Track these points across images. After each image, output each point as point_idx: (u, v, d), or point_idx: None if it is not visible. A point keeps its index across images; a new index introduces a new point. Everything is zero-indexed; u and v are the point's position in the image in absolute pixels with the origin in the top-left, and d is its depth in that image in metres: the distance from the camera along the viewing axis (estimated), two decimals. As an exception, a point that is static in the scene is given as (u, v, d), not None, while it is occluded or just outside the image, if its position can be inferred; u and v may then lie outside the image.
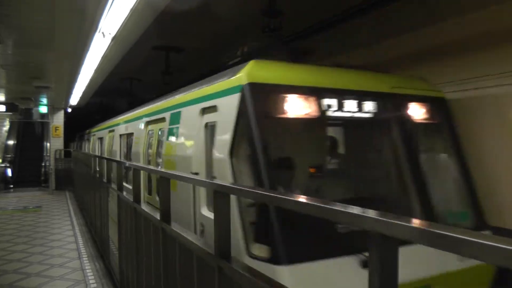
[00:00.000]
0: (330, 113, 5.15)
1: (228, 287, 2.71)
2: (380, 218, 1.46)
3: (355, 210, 1.57)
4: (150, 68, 14.11)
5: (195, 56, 12.21)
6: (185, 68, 13.13)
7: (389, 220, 1.43)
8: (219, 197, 2.87)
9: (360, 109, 5.46)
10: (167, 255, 4.05)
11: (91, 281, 7.62)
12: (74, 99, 21.62)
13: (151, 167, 7.44)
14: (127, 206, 5.93)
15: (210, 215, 5.25)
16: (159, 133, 8.35)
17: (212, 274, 2.87)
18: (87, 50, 10.63)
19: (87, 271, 8.29)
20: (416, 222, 1.44)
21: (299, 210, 1.89)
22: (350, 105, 5.38)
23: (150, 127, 9.15)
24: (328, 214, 1.75)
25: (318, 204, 1.83)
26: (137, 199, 5.44)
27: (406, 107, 5.92)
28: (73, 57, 11.60)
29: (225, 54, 8.85)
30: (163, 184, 4.40)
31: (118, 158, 11.68)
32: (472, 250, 1.25)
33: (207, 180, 3.24)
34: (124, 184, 7.37)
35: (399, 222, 1.44)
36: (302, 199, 1.96)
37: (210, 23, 9.26)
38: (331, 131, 7.08)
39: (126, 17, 7.79)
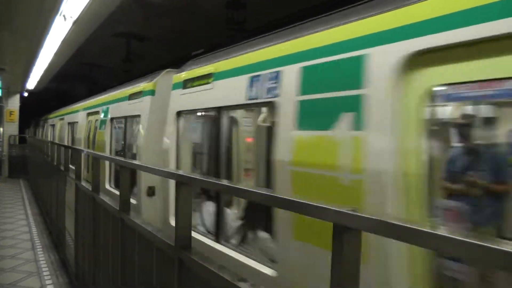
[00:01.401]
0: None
1: (188, 279, 2.67)
2: (342, 211, 1.47)
3: (319, 203, 1.57)
4: (111, 55, 13.72)
5: (157, 45, 11.98)
6: (147, 56, 12.87)
7: (350, 213, 1.45)
8: (180, 187, 2.82)
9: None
10: (126, 247, 3.95)
11: (45, 273, 7.36)
12: (32, 83, 20.71)
13: (113, 156, 7.26)
14: (85, 195, 5.75)
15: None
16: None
17: (172, 266, 2.82)
18: (47, 32, 10.18)
19: (41, 262, 7.99)
20: (379, 215, 1.46)
21: (262, 202, 1.89)
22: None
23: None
24: (290, 207, 1.75)
25: (277, 196, 1.83)
26: (96, 189, 5.28)
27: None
28: (32, 39, 11.08)
29: (189, 44, 8.71)
30: (123, 174, 4.30)
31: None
32: (425, 240, 1.29)
33: (170, 171, 3.18)
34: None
35: (359, 215, 1.46)
36: (263, 191, 1.96)
37: (175, 13, 9.09)
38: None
39: (89, 1, 7.51)
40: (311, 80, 3.39)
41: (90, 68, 16.75)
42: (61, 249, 8.39)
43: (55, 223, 9.29)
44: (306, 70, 3.45)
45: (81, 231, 6.08)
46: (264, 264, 3.96)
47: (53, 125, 18.68)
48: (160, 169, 3.46)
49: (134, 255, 3.70)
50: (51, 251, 8.83)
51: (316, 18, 3.89)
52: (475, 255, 1.18)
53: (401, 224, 1.38)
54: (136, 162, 5.39)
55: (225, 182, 2.51)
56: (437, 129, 3.91)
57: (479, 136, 4.46)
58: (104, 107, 9.68)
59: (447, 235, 1.24)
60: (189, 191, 2.83)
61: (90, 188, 5.39)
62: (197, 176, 2.96)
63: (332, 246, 1.51)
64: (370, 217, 1.45)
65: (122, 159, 5.06)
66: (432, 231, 1.28)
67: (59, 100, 23.02)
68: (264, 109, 5.32)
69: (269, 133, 4.65)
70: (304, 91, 3.43)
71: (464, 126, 4.41)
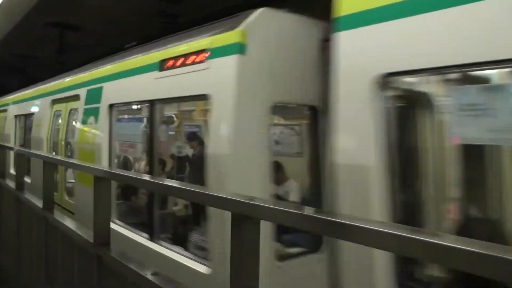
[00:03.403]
0: None
1: (106, 275, 2.61)
2: (240, 200, 1.48)
3: (218, 193, 1.58)
4: (45, 46, 13.02)
5: (92, 36, 11.52)
6: (82, 47, 12.34)
7: (247, 202, 1.47)
8: (99, 182, 2.74)
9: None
10: (50, 245, 3.80)
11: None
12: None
13: (34, 151, 6.69)
14: (8, 194, 5.45)
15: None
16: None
17: (91, 263, 2.75)
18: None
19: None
20: (276, 204, 1.49)
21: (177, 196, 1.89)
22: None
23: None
24: (200, 199, 1.75)
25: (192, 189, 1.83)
26: (20, 187, 5.02)
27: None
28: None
29: (123, 36, 8.46)
30: (46, 171, 4.12)
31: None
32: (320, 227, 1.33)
33: (89, 165, 3.08)
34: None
35: (260, 204, 1.48)
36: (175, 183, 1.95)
37: (109, 2, 8.77)
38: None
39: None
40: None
41: (22, 59, 15.79)
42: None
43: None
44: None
45: (4, 230, 5.76)
46: None
47: None
48: (81, 164, 3.35)
49: (57, 253, 3.57)
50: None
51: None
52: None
53: (298, 212, 1.41)
54: (59, 157, 5.17)
55: (139, 176, 2.46)
56: None
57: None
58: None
59: (338, 220, 1.29)
60: (107, 186, 2.76)
61: (14, 187, 5.12)
62: (115, 171, 2.89)
63: (231, 234, 1.52)
64: (268, 205, 1.47)
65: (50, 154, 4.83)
66: (325, 217, 1.33)
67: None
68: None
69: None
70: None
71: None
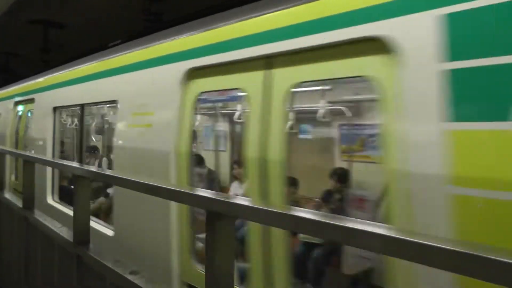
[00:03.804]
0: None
1: (86, 274, 2.59)
2: (214, 198, 1.48)
3: (193, 190, 1.57)
4: (29, 43, 12.86)
5: (75, 34, 11.41)
6: (66, 45, 12.22)
7: (222, 199, 1.47)
8: (78, 181, 2.71)
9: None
10: (30, 245, 3.75)
11: None
12: None
13: (14, 150, 6.77)
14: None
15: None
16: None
17: (71, 262, 2.72)
18: None
19: None
20: (252, 202, 1.49)
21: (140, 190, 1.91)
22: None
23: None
24: (166, 195, 1.75)
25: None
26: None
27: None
28: None
29: (107, 34, 8.38)
30: (26, 169, 4.06)
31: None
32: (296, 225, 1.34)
33: (69, 164, 3.05)
34: None
35: (233, 202, 1.48)
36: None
37: (94, 1, 8.70)
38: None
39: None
40: None
41: (5, 56, 15.59)
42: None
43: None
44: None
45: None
46: None
47: None
48: (61, 163, 3.31)
49: (37, 253, 3.53)
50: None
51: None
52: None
53: (273, 210, 1.41)
54: (38, 156, 5.11)
55: (118, 175, 2.44)
56: None
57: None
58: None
59: (310, 217, 1.30)
60: (87, 185, 2.74)
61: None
62: (94, 169, 2.86)
63: (206, 232, 1.52)
64: (243, 204, 1.47)
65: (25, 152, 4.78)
66: (298, 215, 1.33)
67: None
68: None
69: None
70: None
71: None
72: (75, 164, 2.96)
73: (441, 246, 0.98)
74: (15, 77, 14.52)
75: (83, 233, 2.68)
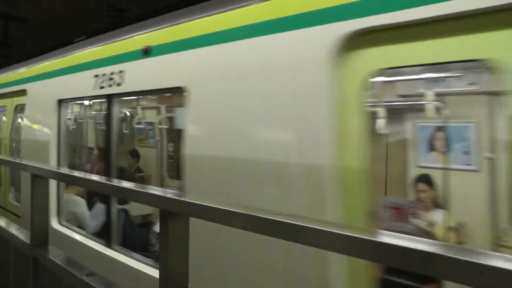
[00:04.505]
0: None
1: (44, 278, 2.52)
2: (166, 196, 1.47)
3: (146, 189, 1.55)
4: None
5: (40, 29, 11.06)
6: (29, 40, 11.84)
7: (175, 198, 1.46)
8: (35, 180, 2.64)
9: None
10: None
11: None
12: None
13: None
14: None
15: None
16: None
17: (28, 265, 2.64)
18: None
19: None
20: (204, 200, 1.48)
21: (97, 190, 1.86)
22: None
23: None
24: (120, 193, 1.72)
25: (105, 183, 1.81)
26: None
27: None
28: None
29: (72, 29, 8.15)
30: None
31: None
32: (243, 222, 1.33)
33: (26, 163, 2.94)
34: None
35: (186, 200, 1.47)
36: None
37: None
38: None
39: None
40: None
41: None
42: None
43: None
44: None
45: None
46: None
47: None
48: (17, 162, 3.20)
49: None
50: None
51: None
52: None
53: (226, 208, 1.41)
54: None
55: (76, 173, 2.39)
56: None
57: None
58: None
59: (263, 216, 1.30)
60: (45, 184, 2.66)
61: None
62: (52, 168, 2.79)
63: (159, 231, 1.51)
64: (195, 202, 1.46)
65: None
66: (251, 214, 1.33)
67: None
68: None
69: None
70: None
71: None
72: (31, 163, 2.86)
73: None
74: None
75: (41, 235, 2.60)
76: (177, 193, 1.50)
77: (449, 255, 0.90)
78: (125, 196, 1.70)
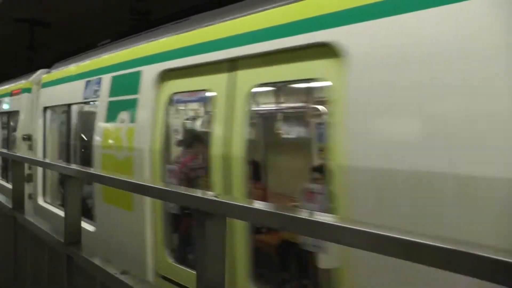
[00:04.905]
0: None
1: (77, 276, 2.60)
2: (203, 197, 1.51)
3: (183, 190, 1.60)
4: (15, 42, 12.72)
5: (63, 33, 11.31)
6: (53, 45, 12.11)
7: (211, 198, 1.50)
8: (69, 181, 2.73)
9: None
10: (18, 246, 3.74)
11: None
12: None
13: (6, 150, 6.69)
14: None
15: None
16: None
17: (62, 263, 2.73)
18: None
19: None
20: (241, 201, 1.53)
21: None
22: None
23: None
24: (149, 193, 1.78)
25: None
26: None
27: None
28: None
29: (95, 33, 8.34)
30: (15, 169, 4.05)
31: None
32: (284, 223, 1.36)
33: (60, 164, 3.05)
34: None
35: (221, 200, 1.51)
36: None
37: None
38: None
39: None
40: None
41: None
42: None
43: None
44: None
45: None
46: None
47: None
48: (50, 163, 3.31)
49: (26, 254, 3.52)
50: None
51: None
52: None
53: (263, 209, 1.45)
54: (27, 156, 5.08)
55: (112, 175, 2.46)
56: None
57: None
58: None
59: (302, 216, 1.33)
60: (78, 185, 2.75)
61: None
62: (86, 169, 2.88)
63: (196, 232, 1.55)
64: (232, 202, 1.51)
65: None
66: (289, 214, 1.36)
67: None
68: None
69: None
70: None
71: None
72: (64, 164, 2.96)
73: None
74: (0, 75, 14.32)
75: (74, 233, 2.69)
76: (213, 194, 1.54)
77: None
78: (163, 197, 1.75)
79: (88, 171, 2.81)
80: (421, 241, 1.03)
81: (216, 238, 1.56)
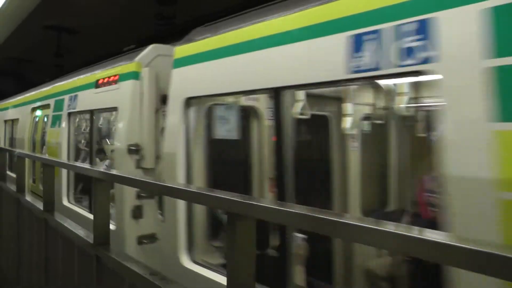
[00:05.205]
0: None
1: (105, 275, 2.65)
2: (234, 199, 1.52)
3: (214, 192, 1.62)
4: (43, 49, 13.08)
5: (90, 39, 11.57)
6: (80, 51, 12.39)
7: (241, 201, 1.51)
8: (97, 184, 2.78)
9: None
10: (49, 247, 3.84)
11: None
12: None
13: (38, 155, 6.91)
14: (9, 196, 5.48)
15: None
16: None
17: (91, 263, 2.78)
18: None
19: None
20: (272, 203, 1.53)
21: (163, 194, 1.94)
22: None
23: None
24: (194, 199, 1.79)
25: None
26: (21, 189, 5.05)
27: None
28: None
29: (120, 39, 8.51)
30: (46, 172, 4.16)
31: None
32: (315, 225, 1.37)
33: (88, 167, 3.12)
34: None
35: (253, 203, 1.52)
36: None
37: (106, 5, 8.83)
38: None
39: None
40: None
41: (18, 63, 15.82)
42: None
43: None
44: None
45: (5, 233, 5.80)
46: None
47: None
48: (79, 165, 3.39)
49: (57, 255, 3.61)
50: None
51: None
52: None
53: (292, 210, 1.45)
54: (58, 159, 5.20)
55: (140, 178, 2.50)
56: None
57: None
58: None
59: (332, 218, 1.32)
60: (106, 187, 2.80)
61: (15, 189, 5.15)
62: (115, 172, 2.93)
63: (226, 233, 1.57)
64: (262, 204, 1.51)
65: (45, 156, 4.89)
66: (319, 216, 1.36)
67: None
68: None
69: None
70: None
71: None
72: (93, 167, 3.03)
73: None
74: (27, 83, 14.74)
75: (102, 234, 2.74)
76: (244, 196, 1.55)
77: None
78: (192, 200, 1.77)
79: (114, 173, 2.86)
80: (448, 242, 1.02)
81: (247, 240, 1.57)
